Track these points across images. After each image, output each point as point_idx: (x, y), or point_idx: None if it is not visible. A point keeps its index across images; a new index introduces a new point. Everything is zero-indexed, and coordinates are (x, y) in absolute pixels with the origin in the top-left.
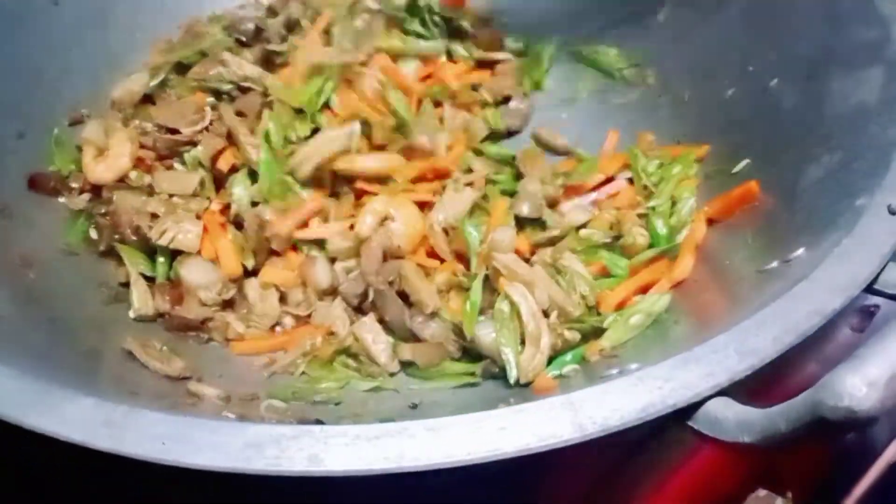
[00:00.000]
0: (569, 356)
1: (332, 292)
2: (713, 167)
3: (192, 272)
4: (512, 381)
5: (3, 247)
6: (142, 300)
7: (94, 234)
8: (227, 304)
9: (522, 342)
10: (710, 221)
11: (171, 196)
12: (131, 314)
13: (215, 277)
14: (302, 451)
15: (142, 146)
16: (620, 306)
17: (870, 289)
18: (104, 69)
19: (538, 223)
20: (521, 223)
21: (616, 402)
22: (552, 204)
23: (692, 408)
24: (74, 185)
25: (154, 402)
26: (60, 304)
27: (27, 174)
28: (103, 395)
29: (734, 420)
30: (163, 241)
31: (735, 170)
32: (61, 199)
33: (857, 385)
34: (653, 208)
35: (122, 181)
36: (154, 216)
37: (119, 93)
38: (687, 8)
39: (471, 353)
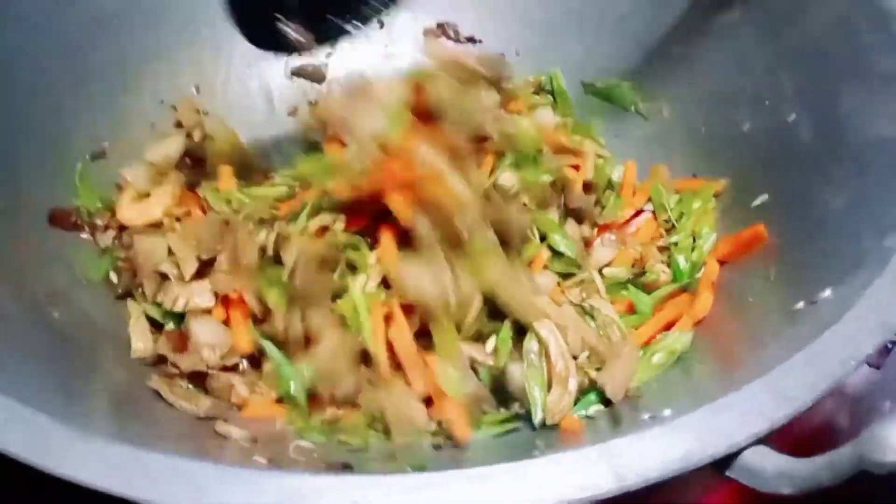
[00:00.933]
0: (592, 396)
1: None
2: (731, 201)
3: (203, 329)
4: (537, 422)
5: (31, 282)
6: (142, 340)
7: (114, 277)
8: (232, 368)
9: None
10: (722, 262)
11: None
12: (131, 354)
13: (224, 341)
14: (338, 502)
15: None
16: (646, 344)
17: None
18: (124, 102)
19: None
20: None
21: (654, 452)
22: (586, 244)
23: (731, 457)
24: (99, 221)
25: (180, 443)
26: (85, 343)
27: (48, 209)
28: (130, 438)
29: (773, 471)
30: (177, 308)
31: (754, 204)
32: (83, 235)
33: None
34: (675, 243)
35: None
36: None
37: (155, 156)
38: (701, 40)
39: (499, 394)
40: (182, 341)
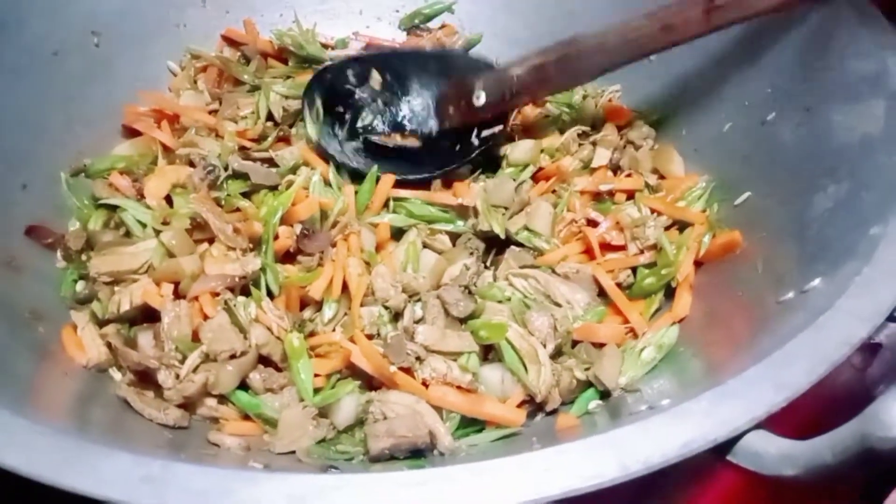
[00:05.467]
0: (589, 392)
1: None
2: (716, 200)
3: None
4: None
5: (14, 301)
6: (94, 347)
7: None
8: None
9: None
10: (699, 264)
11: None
12: (86, 364)
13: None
14: (347, 501)
15: None
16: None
17: (892, 317)
18: (106, 119)
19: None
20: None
21: (657, 439)
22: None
23: (731, 442)
24: (73, 245)
25: (175, 453)
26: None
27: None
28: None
29: (776, 453)
30: (123, 309)
31: (737, 202)
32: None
33: None
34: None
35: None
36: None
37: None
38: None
39: None
40: (132, 342)
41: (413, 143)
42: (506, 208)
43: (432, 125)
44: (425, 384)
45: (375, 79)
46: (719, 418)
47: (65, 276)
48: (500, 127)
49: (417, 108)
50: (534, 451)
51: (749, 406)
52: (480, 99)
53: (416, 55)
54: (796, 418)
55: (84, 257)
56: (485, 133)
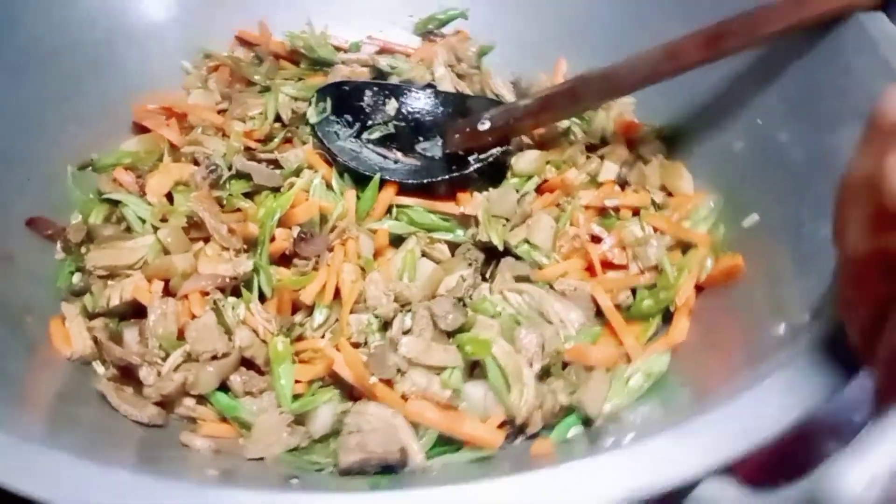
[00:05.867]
0: (571, 418)
1: None
2: (723, 221)
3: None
4: None
5: (7, 294)
6: (80, 339)
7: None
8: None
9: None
10: (699, 288)
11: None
12: (71, 356)
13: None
14: None
15: None
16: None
17: None
18: (116, 115)
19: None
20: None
21: (600, 484)
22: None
23: (686, 489)
24: (73, 238)
25: (140, 452)
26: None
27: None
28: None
29: None
30: (112, 304)
31: (745, 224)
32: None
33: (857, 481)
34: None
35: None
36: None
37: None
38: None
39: None
40: (118, 338)
41: (413, 162)
42: (507, 219)
43: (436, 151)
44: (405, 398)
45: (392, 106)
46: (673, 463)
47: (62, 268)
48: (500, 150)
49: (425, 135)
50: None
51: (706, 452)
52: (485, 124)
53: (439, 95)
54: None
55: (83, 250)
56: (483, 156)
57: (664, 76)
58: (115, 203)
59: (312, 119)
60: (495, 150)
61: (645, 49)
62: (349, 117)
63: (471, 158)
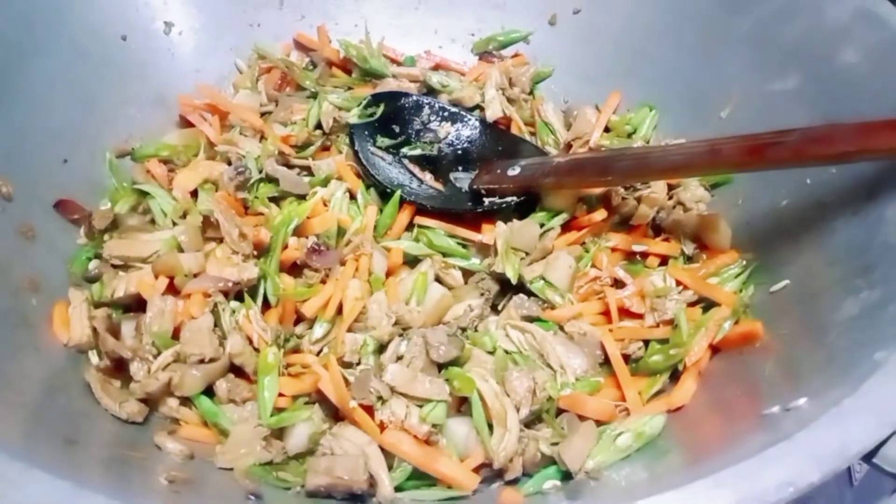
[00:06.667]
0: (551, 470)
1: None
2: (754, 283)
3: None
4: None
5: (15, 267)
6: (79, 327)
7: (92, 265)
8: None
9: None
10: (714, 350)
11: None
12: (68, 342)
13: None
14: None
15: None
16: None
17: (868, 460)
18: (158, 104)
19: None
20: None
21: None
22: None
23: None
24: (98, 224)
25: (111, 448)
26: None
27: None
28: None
29: None
30: (117, 294)
31: (773, 289)
32: (82, 231)
33: None
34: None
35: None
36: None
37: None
38: (744, 107)
39: None
40: (115, 330)
41: (438, 187)
42: (527, 253)
43: (465, 184)
44: (382, 426)
45: (445, 129)
46: None
47: (80, 253)
48: (517, 199)
49: (465, 165)
50: None
51: None
52: (515, 170)
53: (495, 131)
54: None
55: (106, 237)
56: (499, 200)
57: (699, 171)
58: (145, 194)
59: (353, 119)
60: (511, 199)
61: (689, 140)
62: (396, 127)
63: (487, 200)
